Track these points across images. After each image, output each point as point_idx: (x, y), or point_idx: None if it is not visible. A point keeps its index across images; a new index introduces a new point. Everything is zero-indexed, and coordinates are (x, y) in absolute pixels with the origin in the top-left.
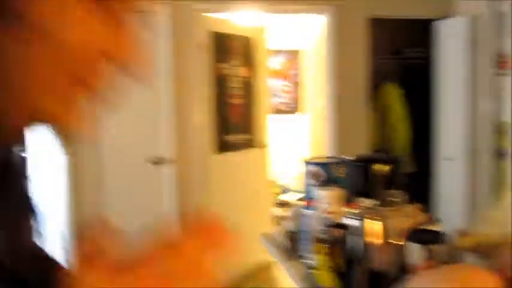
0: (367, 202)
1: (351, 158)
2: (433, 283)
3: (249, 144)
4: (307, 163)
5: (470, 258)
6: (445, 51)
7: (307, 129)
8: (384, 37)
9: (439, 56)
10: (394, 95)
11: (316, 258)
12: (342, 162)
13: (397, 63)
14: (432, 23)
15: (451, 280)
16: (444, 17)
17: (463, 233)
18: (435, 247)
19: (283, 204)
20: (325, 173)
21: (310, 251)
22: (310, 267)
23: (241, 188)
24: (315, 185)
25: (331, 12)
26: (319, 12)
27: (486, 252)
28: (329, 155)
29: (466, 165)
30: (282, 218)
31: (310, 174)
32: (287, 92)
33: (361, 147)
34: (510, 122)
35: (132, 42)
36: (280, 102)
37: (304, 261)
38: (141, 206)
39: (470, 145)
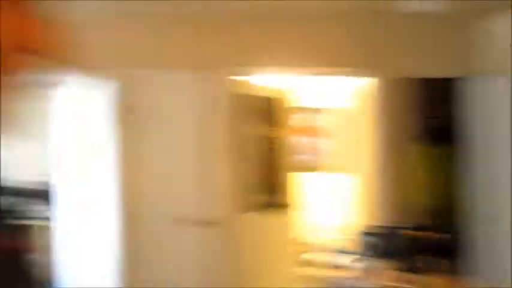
0: (407, 272)
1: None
2: None
3: (274, 204)
4: (365, 233)
5: None
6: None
7: (350, 190)
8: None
9: (471, 115)
10: (432, 155)
11: None
12: (385, 231)
13: (429, 121)
14: None
15: None
16: None
17: None
18: None
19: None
20: (384, 244)
21: None
22: None
23: (266, 249)
24: (369, 256)
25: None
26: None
27: None
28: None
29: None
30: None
31: (367, 245)
32: (320, 150)
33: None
34: None
35: (41, 30)
36: (312, 161)
37: None
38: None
39: None
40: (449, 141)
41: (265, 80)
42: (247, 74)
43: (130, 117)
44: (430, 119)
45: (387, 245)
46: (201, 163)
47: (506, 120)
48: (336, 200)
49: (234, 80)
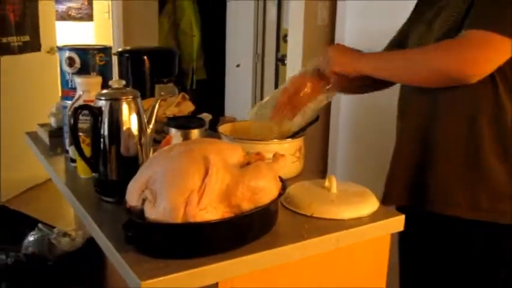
0: (127, 89)
1: (119, 49)
2: (166, 153)
3: (35, 48)
4: (60, 48)
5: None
6: None
7: (97, 37)
8: None
9: None
10: (187, 1)
11: (73, 151)
12: (103, 49)
13: None
14: None
15: (183, 147)
16: None
17: (225, 120)
18: (192, 131)
19: None
20: (82, 60)
21: (69, 144)
22: (71, 162)
23: (28, 95)
24: (71, 73)
25: None
26: None
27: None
28: None
29: (253, 70)
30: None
31: (66, 61)
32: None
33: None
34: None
35: None
36: (70, 7)
37: (66, 156)
38: None
39: (257, 51)
40: None
41: None
42: None
43: None
44: None
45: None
46: None
47: None
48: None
49: None
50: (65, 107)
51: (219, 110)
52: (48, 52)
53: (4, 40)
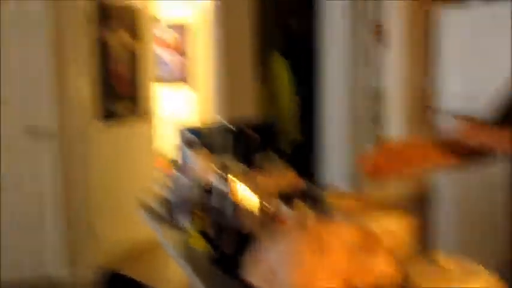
0: (237, 165)
1: (227, 124)
2: (292, 243)
3: (135, 113)
4: (181, 130)
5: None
6: (328, 23)
7: (194, 101)
8: (269, 7)
9: (322, 27)
10: (280, 65)
11: (188, 224)
12: (216, 128)
13: (283, 33)
14: None
15: (310, 238)
16: None
17: (332, 191)
18: (303, 207)
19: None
20: (199, 139)
21: (184, 217)
22: (185, 234)
23: (127, 159)
24: (187, 150)
25: None
26: None
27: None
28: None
29: (348, 130)
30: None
31: (184, 140)
32: (177, 63)
33: (249, 115)
34: (384, 88)
35: None
36: (170, 73)
37: (180, 227)
38: (18, 182)
39: (352, 112)
40: (301, 53)
41: None
42: None
43: None
44: (283, 30)
45: (235, 141)
46: (55, 69)
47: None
48: (185, 111)
49: None
50: (179, 180)
51: (313, 173)
52: (145, 116)
53: (111, 108)
